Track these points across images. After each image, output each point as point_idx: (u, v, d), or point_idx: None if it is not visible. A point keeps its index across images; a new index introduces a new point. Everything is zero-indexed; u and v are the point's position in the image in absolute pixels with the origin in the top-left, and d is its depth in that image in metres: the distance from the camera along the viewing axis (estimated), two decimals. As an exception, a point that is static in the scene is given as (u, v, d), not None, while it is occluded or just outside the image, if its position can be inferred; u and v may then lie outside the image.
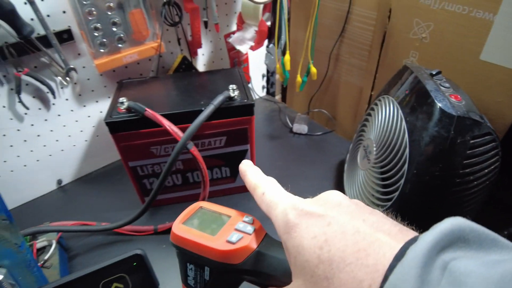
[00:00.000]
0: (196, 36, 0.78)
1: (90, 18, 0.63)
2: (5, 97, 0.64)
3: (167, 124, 0.58)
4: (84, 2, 0.62)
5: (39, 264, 0.59)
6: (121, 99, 0.60)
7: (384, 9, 0.79)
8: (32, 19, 0.61)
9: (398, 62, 0.81)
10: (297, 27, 1.02)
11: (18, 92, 0.64)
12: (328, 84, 1.00)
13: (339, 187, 0.76)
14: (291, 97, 1.17)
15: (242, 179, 0.34)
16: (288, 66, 0.74)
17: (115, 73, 0.74)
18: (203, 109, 0.59)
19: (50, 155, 0.73)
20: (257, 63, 1.00)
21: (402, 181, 0.55)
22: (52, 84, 0.67)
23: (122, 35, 0.68)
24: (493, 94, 0.70)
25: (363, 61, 0.89)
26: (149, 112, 0.58)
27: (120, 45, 0.68)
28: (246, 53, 0.93)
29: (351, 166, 0.72)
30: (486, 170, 0.55)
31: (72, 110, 0.72)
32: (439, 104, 0.52)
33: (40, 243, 0.62)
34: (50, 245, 0.62)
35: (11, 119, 0.66)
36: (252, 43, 0.76)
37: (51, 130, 0.71)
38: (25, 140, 0.69)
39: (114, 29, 0.66)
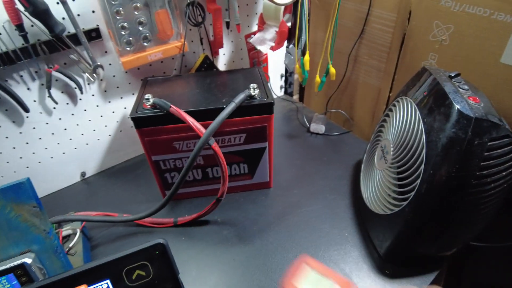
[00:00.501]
0: (218, 36, 0.81)
1: (117, 17, 0.67)
2: (36, 92, 0.68)
3: (191, 120, 0.60)
4: (113, 2, 0.65)
5: (64, 251, 0.63)
6: (146, 96, 0.63)
7: (404, 11, 0.80)
8: (63, 18, 0.65)
9: (417, 64, 0.82)
10: (317, 28, 1.03)
11: (49, 87, 0.68)
12: (347, 84, 1.01)
13: (356, 186, 0.77)
14: (309, 97, 1.19)
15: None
16: (307, 66, 0.76)
17: (139, 71, 0.78)
18: (224, 106, 0.62)
19: (76, 148, 0.77)
20: (275, 63, 1.03)
21: (419, 181, 0.56)
22: (80, 80, 0.71)
23: (147, 34, 0.71)
24: (514, 97, 0.70)
25: (382, 63, 0.90)
26: (174, 108, 0.61)
27: (145, 44, 0.72)
28: (266, 53, 0.95)
29: (368, 166, 0.73)
30: (504, 173, 0.55)
31: (97, 106, 0.76)
32: (457, 106, 0.53)
33: (65, 231, 0.66)
34: (75, 234, 0.66)
35: (41, 113, 0.70)
36: (273, 44, 0.78)
37: (77, 124, 0.75)
38: (52, 133, 0.73)
39: (140, 28, 0.70)
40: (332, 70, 0.78)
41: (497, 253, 0.87)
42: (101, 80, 0.74)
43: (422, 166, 0.56)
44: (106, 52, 0.72)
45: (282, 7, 0.74)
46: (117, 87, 0.77)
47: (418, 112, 0.60)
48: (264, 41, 0.78)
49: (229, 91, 0.68)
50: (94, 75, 0.72)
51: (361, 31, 0.89)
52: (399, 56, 0.85)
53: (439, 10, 0.74)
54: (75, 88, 0.71)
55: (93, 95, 0.75)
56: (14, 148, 0.70)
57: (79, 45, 0.67)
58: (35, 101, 0.69)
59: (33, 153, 0.72)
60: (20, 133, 0.69)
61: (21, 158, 0.71)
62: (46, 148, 0.73)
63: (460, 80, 0.61)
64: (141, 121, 0.63)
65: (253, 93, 0.64)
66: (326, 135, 0.93)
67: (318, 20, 1.02)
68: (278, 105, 1.07)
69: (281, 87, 1.09)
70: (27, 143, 0.71)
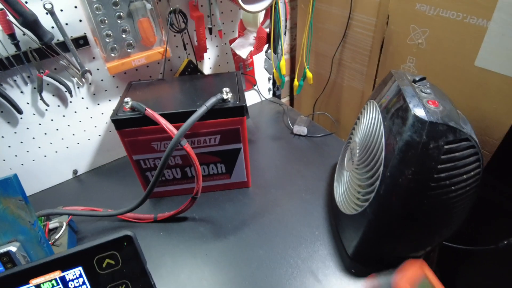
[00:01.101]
0: (202, 41, 0.84)
1: (102, 26, 0.71)
2: (29, 95, 0.74)
3: (164, 122, 0.64)
4: (97, 12, 0.70)
5: (50, 242, 0.68)
6: (126, 99, 0.67)
7: (383, 15, 0.81)
8: (52, 27, 0.70)
9: (397, 68, 0.84)
10: (302, 33, 1.06)
11: (40, 91, 0.73)
12: (332, 87, 1.03)
13: (331, 187, 0.79)
14: (299, 99, 1.21)
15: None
16: (284, 71, 0.78)
17: (126, 75, 0.82)
18: (197, 109, 0.65)
19: (67, 147, 0.83)
20: (262, 67, 1.05)
21: (378, 182, 0.58)
22: (70, 84, 0.76)
23: (131, 41, 0.75)
24: (489, 100, 0.71)
25: (364, 66, 0.91)
26: (149, 111, 0.65)
27: (129, 50, 0.76)
28: (251, 57, 0.98)
29: (340, 167, 0.75)
30: (464, 176, 0.56)
31: (87, 108, 0.81)
32: (413, 110, 0.54)
33: (52, 224, 0.71)
34: (62, 226, 0.71)
35: (34, 114, 0.76)
36: (252, 49, 0.81)
37: (68, 125, 0.81)
38: (45, 133, 0.78)
39: (124, 35, 0.74)
40: (309, 74, 0.80)
41: (491, 256, 0.87)
42: (90, 84, 0.79)
43: (381, 168, 0.58)
44: (93, 58, 0.77)
45: (260, 14, 0.77)
46: (105, 90, 0.82)
47: (380, 116, 0.61)
48: (244, 46, 0.81)
49: (205, 95, 0.71)
50: (83, 79, 0.77)
51: (343, 35, 0.91)
52: (380, 59, 0.87)
53: (415, 14, 0.75)
54: (65, 91, 0.76)
55: (82, 98, 0.80)
56: (9, 147, 0.76)
57: (67, 52, 0.72)
58: (28, 103, 0.74)
59: (27, 151, 0.78)
60: (15, 133, 0.75)
61: (16, 156, 0.77)
62: (39, 147, 0.79)
63: (425, 83, 0.62)
64: (120, 123, 0.67)
65: (225, 97, 0.68)
66: (309, 137, 0.95)
67: (302, 25, 1.04)
68: (266, 107, 1.09)
69: (269, 90, 1.12)
70: (21, 142, 0.77)
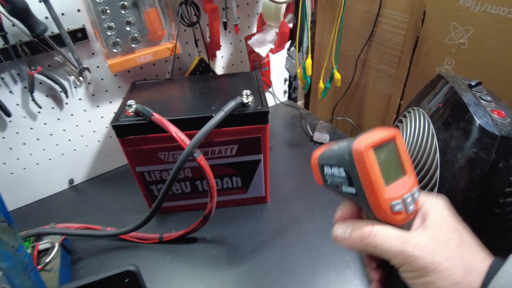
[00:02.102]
0: (215, 37, 0.73)
1: (103, 17, 0.60)
2: (18, 95, 0.62)
3: (174, 130, 0.53)
4: (98, 1, 0.59)
5: (39, 266, 0.57)
6: (129, 102, 0.56)
7: (418, 11, 0.71)
8: (46, 18, 0.58)
9: (431, 70, 0.73)
10: (324, 30, 0.95)
11: (31, 91, 0.62)
12: (354, 90, 0.92)
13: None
14: (315, 103, 1.10)
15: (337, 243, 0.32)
16: (309, 71, 0.67)
17: (130, 74, 0.71)
18: (213, 115, 0.54)
19: (63, 154, 0.71)
20: (279, 67, 0.94)
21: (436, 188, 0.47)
22: (66, 83, 0.65)
23: (136, 35, 0.64)
24: (542, 109, 0.60)
25: (393, 68, 0.80)
26: (156, 116, 0.53)
27: (134, 45, 0.65)
28: (267, 56, 0.87)
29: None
30: (533, 200, 0.46)
31: (85, 110, 0.70)
32: (478, 121, 0.43)
33: (43, 244, 0.59)
34: (53, 247, 0.59)
35: (25, 117, 0.64)
36: (272, 46, 0.70)
37: (64, 130, 0.69)
38: (38, 139, 0.67)
39: (128, 28, 0.63)
40: (337, 75, 0.69)
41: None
42: (89, 83, 0.68)
43: (435, 190, 0.47)
44: (93, 54, 0.65)
45: (283, 6, 0.66)
46: (106, 90, 0.70)
47: (431, 126, 0.50)
48: (263, 43, 0.70)
49: (221, 98, 0.60)
50: (80, 78, 0.65)
51: (371, 33, 0.80)
52: (412, 60, 0.76)
53: (457, 11, 0.65)
54: (61, 91, 0.65)
55: (80, 99, 0.68)
56: (-4, 153, 0.64)
57: (63, 46, 0.61)
58: (18, 104, 0.63)
59: (17, 158, 0.67)
60: (3, 138, 0.64)
61: (4, 164, 0.66)
62: (31, 154, 0.68)
63: (482, 89, 0.51)
64: (122, 130, 0.56)
65: (245, 101, 0.56)
66: (330, 145, 0.84)
67: (324, 21, 0.93)
68: (281, 111, 0.98)
69: (285, 92, 1.01)
70: (10, 148, 0.65)
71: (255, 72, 0.68)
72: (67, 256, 0.62)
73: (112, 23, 0.61)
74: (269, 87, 0.94)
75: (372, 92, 0.88)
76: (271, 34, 0.70)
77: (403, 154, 0.30)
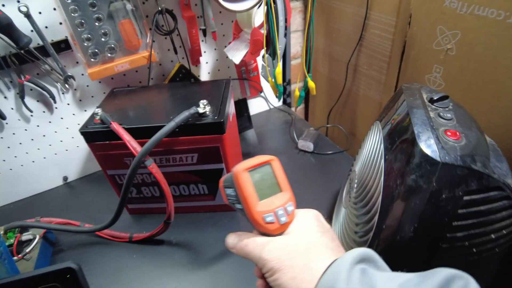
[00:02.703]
0: (195, 44, 0.73)
1: (80, 29, 0.62)
2: (12, 100, 0.67)
3: (127, 138, 0.54)
4: (73, 15, 0.61)
5: (20, 255, 0.61)
6: (96, 110, 0.58)
7: (404, 14, 0.64)
8: (32, 31, 0.62)
9: (420, 78, 0.65)
10: (317, 34, 0.89)
11: (22, 97, 0.66)
12: (347, 97, 0.86)
13: (331, 220, 0.64)
14: (313, 108, 1.05)
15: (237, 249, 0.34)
16: (280, 80, 0.64)
17: (113, 80, 0.73)
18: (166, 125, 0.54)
19: (56, 154, 0.76)
20: (260, 73, 0.91)
21: (371, 235, 0.43)
22: (54, 90, 0.69)
23: (113, 45, 0.66)
24: (540, 125, 0.51)
25: (382, 74, 0.73)
26: (113, 125, 0.55)
27: (111, 55, 0.66)
28: (255, 62, 0.84)
29: (340, 200, 0.60)
30: (492, 236, 0.40)
31: (74, 114, 0.73)
32: (420, 144, 0.38)
33: (26, 236, 0.64)
34: (34, 239, 0.64)
35: (19, 119, 0.69)
36: (245, 53, 0.68)
37: (55, 132, 0.74)
38: (32, 139, 0.72)
39: (104, 39, 0.65)
40: (311, 84, 0.65)
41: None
42: (75, 89, 0.71)
43: (376, 217, 0.42)
44: (77, 62, 0.68)
45: (254, 13, 0.63)
46: (92, 96, 0.73)
47: (382, 145, 0.45)
48: (238, 50, 0.68)
49: (183, 107, 0.59)
50: (66, 85, 0.69)
51: (359, 37, 0.74)
52: (400, 67, 0.69)
53: (443, 13, 0.57)
54: (50, 97, 0.69)
55: (68, 104, 0.72)
56: (-4, 151, 0.71)
57: (48, 56, 0.65)
58: (12, 108, 0.68)
59: (15, 156, 0.72)
60: (1, 138, 0.69)
61: (4, 160, 0.72)
62: (27, 153, 0.73)
63: (447, 104, 0.45)
64: (89, 136, 0.58)
65: (202, 110, 0.55)
66: (316, 154, 0.80)
67: (318, 25, 0.88)
68: (273, 116, 0.95)
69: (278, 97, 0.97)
70: (8, 147, 0.71)
71: (225, 80, 0.66)
72: (49, 248, 0.67)
73: (89, 35, 0.63)
74: (260, 92, 0.92)
75: (363, 99, 0.81)
76: (245, 41, 0.68)
77: (279, 175, 0.33)
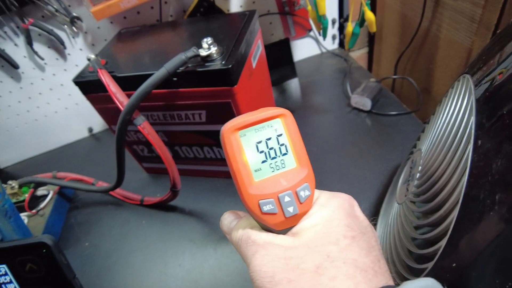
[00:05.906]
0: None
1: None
2: (23, 47, 0.60)
3: (114, 90, 0.42)
4: None
5: (33, 211, 0.57)
6: (88, 56, 0.46)
7: None
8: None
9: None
10: None
11: (29, 43, 0.59)
12: (423, 39, 0.61)
13: (378, 209, 0.46)
14: (379, 53, 0.80)
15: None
16: (323, 9, 0.44)
17: (126, 20, 0.61)
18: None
19: (77, 104, 0.70)
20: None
21: (443, 243, 0.25)
22: (63, 34, 0.60)
23: (116, -27, 0.52)
24: None
25: (478, 6, 0.47)
26: (100, 73, 0.43)
27: (115, -13, 0.53)
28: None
29: (394, 187, 0.41)
30: None
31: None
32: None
33: (40, 191, 0.60)
34: (48, 195, 0.60)
35: (34, 68, 0.63)
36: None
37: (72, 80, 0.66)
38: (51, 89, 0.66)
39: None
40: (369, 15, 0.43)
41: None
42: (86, 33, 0.61)
43: (455, 211, 0.24)
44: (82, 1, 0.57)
45: None
46: (105, 39, 0.62)
47: (473, 116, 0.25)
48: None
49: (187, 47, 0.45)
50: (74, 28, 0.59)
51: None
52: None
53: None
54: (59, 42, 0.60)
55: (81, 49, 0.63)
56: (19, 102, 0.66)
57: (50, -6, 0.54)
58: (25, 56, 0.61)
59: (38, 107, 0.68)
60: (21, 88, 0.64)
61: (28, 111, 0.68)
62: (48, 103, 0.68)
63: None
64: (84, 86, 0.48)
65: (204, 53, 0.40)
66: (374, 114, 0.59)
67: None
68: (326, 62, 0.74)
69: (333, 38, 0.74)
70: (29, 97, 0.66)
71: (248, 12, 0.48)
72: (66, 204, 0.63)
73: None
74: (309, 30, 0.70)
75: (445, 43, 0.56)
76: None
77: (291, 140, 0.22)
